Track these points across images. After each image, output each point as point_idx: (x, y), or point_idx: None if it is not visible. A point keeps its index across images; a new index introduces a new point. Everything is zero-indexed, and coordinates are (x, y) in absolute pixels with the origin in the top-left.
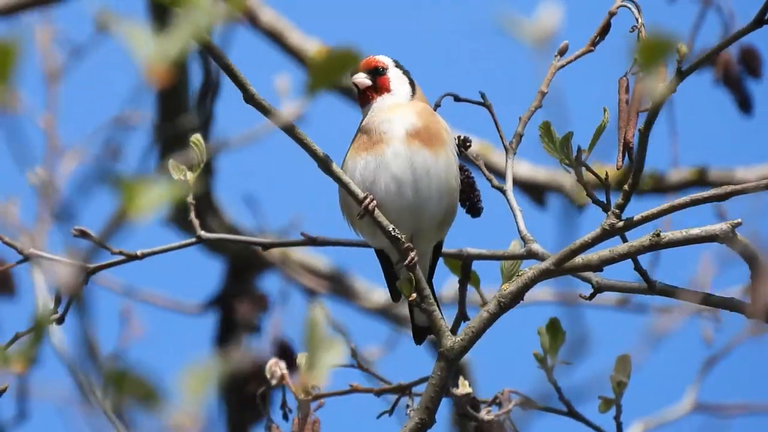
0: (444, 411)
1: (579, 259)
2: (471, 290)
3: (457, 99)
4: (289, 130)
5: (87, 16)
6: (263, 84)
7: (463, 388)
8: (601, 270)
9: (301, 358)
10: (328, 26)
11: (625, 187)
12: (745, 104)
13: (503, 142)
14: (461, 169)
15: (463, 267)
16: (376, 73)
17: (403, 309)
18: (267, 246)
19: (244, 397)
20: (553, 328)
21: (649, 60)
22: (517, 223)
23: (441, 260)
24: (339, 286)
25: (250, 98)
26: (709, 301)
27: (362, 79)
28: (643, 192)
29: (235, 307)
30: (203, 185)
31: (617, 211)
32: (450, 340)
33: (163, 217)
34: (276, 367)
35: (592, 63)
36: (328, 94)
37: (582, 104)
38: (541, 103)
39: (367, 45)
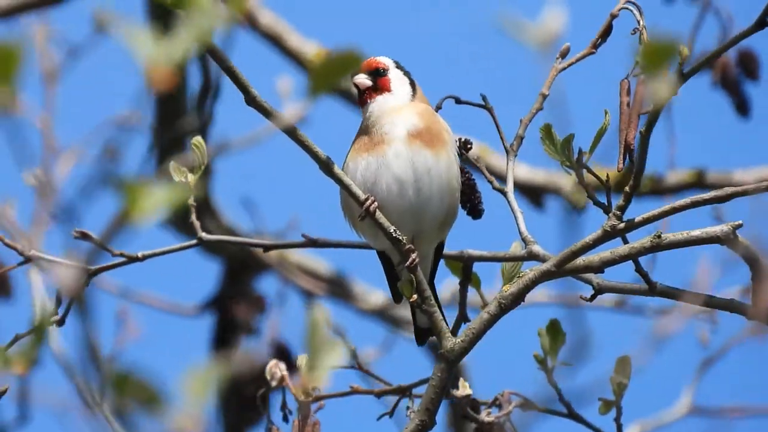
0: (441, 412)
1: (580, 261)
2: (471, 291)
3: (458, 101)
4: (291, 132)
5: (85, 17)
6: (262, 86)
7: (464, 389)
8: (602, 271)
9: (301, 360)
10: (327, 28)
11: (626, 188)
12: (742, 107)
13: (504, 145)
14: (462, 170)
15: (464, 268)
16: (377, 74)
17: (400, 311)
18: (268, 247)
19: (243, 399)
20: (554, 329)
21: (651, 64)
22: (518, 224)
23: (442, 261)
24: (336, 288)
25: (251, 100)
26: (710, 302)
27: (363, 80)
28: (642, 194)
29: (232, 309)
30: (201, 187)
31: (618, 212)
32: (450, 342)
33: (161, 219)
34: (276, 368)
35: (594, 65)
36: (327, 96)
37: (583, 106)
38: (543, 106)
39: (367, 46)
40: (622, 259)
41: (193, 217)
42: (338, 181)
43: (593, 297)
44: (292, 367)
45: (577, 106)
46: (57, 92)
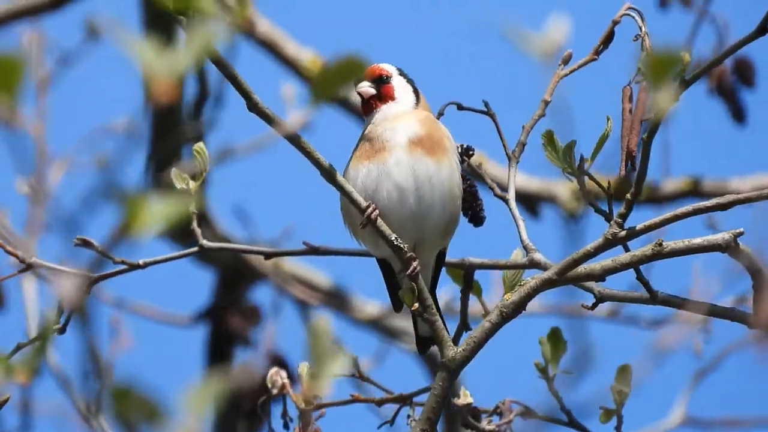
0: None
1: (581, 269)
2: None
3: (460, 108)
4: (294, 139)
5: (78, 24)
6: (260, 95)
7: (465, 397)
8: (604, 280)
9: (302, 368)
10: (325, 35)
11: (628, 196)
12: (738, 114)
13: (506, 151)
14: (463, 178)
15: (465, 276)
16: (380, 81)
17: (395, 321)
18: (268, 255)
19: (243, 409)
20: (555, 337)
21: (655, 75)
22: (519, 232)
23: (443, 269)
24: (331, 298)
25: (254, 107)
26: (711, 311)
27: (366, 88)
28: (639, 202)
29: (227, 319)
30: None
31: (620, 220)
32: (452, 351)
33: (160, 230)
34: (277, 376)
35: (596, 72)
36: (326, 105)
37: (585, 113)
38: (545, 112)
39: (366, 51)
40: (624, 267)
41: (195, 224)
42: (340, 188)
43: (594, 305)
44: (290, 377)
45: (578, 112)
46: (49, 100)
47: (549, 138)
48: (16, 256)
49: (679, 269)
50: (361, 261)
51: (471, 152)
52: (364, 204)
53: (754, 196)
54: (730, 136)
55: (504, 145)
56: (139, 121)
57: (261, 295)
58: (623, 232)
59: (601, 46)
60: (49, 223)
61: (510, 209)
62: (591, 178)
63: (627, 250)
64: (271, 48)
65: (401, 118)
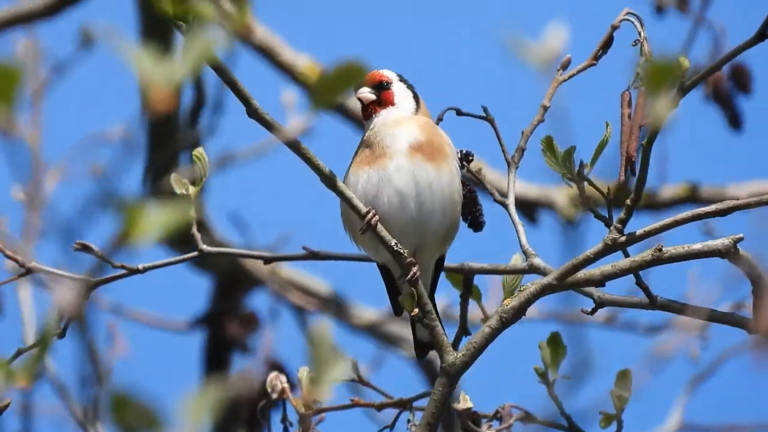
0: None
1: (581, 274)
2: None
3: (459, 113)
4: (294, 145)
5: (73, 32)
6: (257, 100)
7: (464, 402)
8: (603, 285)
9: (302, 373)
10: (323, 41)
11: (627, 201)
12: (735, 120)
13: (506, 157)
14: (463, 183)
15: (465, 281)
16: (381, 87)
17: (391, 327)
18: (268, 260)
19: (240, 417)
20: (554, 342)
21: (654, 84)
22: (519, 237)
23: (442, 274)
24: (328, 304)
25: (253, 113)
26: (711, 316)
27: (366, 93)
28: (636, 208)
29: (224, 326)
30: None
31: (619, 225)
32: (452, 356)
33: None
34: (277, 380)
35: (595, 77)
36: (324, 111)
37: (583, 119)
38: (544, 117)
39: (366, 59)
40: (624, 272)
41: (194, 228)
42: (340, 194)
43: (594, 310)
44: (288, 383)
45: (577, 118)
46: (45, 107)
47: (548, 143)
48: (16, 261)
49: (675, 276)
50: (358, 267)
51: (471, 157)
52: (364, 210)
53: (753, 202)
54: (726, 142)
55: (503, 151)
56: (135, 129)
57: (258, 301)
58: (623, 238)
59: (600, 51)
60: (46, 230)
61: (509, 214)
62: (591, 183)
63: (627, 255)
64: (267, 54)
65: (401, 123)
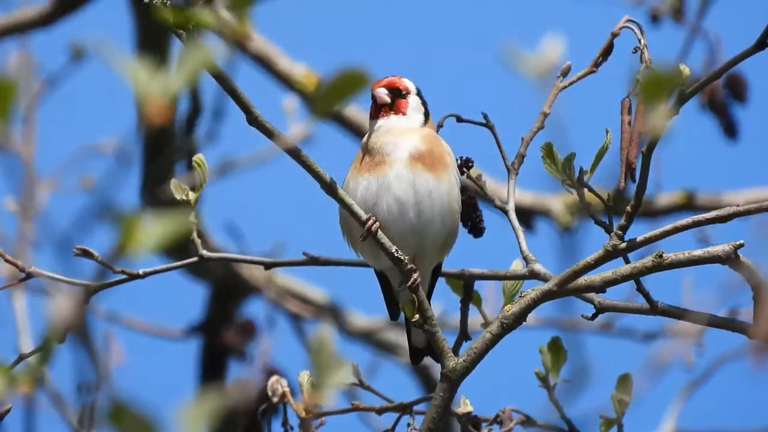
0: None
1: (582, 280)
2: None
3: (459, 120)
4: (294, 153)
5: (67, 42)
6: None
7: (465, 406)
8: (604, 291)
9: (302, 377)
10: (319, 50)
11: (628, 208)
12: (730, 129)
13: (505, 163)
14: (462, 189)
15: (465, 287)
16: (398, 94)
17: (386, 334)
18: (268, 265)
19: (238, 424)
20: (555, 347)
21: (656, 92)
22: (519, 242)
23: (442, 280)
24: (324, 311)
25: (253, 120)
26: (711, 322)
27: (383, 94)
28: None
29: (221, 334)
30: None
31: (620, 232)
32: (452, 361)
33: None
34: (278, 384)
35: (594, 85)
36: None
37: (584, 125)
38: (543, 124)
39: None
40: (624, 278)
41: (195, 234)
42: (341, 201)
43: (595, 316)
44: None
45: (578, 125)
46: (37, 119)
47: (548, 150)
48: (16, 265)
49: (669, 284)
50: (353, 275)
51: (470, 164)
52: (364, 216)
53: (753, 208)
54: (722, 150)
55: (503, 157)
56: (130, 140)
57: (254, 308)
58: (623, 244)
59: (600, 59)
60: (40, 240)
61: (510, 220)
62: (591, 190)
63: (627, 261)
64: (263, 63)
65: (405, 133)
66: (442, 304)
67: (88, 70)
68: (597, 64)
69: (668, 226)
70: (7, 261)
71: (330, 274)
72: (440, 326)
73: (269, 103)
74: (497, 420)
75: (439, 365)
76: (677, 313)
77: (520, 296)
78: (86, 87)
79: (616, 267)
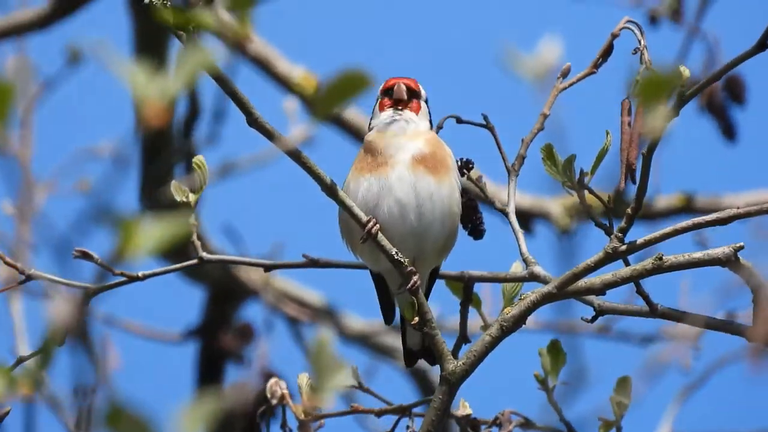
0: None
1: (582, 283)
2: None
3: (459, 121)
4: (295, 154)
5: (63, 45)
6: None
7: (464, 408)
8: (604, 293)
9: (302, 380)
10: (318, 53)
11: (628, 210)
12: (729, 131)
13: (505, 164)
14: (463, 192)
15: (465, 289)
16: (414, 95)
17: (383, 337)
18: (268, 267)
19: (236, 428)
20: (554, 349)
21: (656, 94)
22: (519, 244)
23: (442, 282)
24: (321, 315)
25: (254, 122)
26: (710, 324)
27: (404, 90)
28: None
29: (219, 337)
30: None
31: (620, 234)
32: (452, 364)
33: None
34: (277, 386)
35: (595, 85)
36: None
37: (584, 127)
38: (543, 126)
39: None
40: (624, 281)
41: (195, 236)
42: (341, 204)
43: (594, 318)
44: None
45: (578, 126)
46: (35, 122)
47: (549, 152)
48: (15, 267)
49: (666, 287)
50: (350, 279)
51: (471, 166)
52: (365, 219)
53: (753, 210)
54: (720, 152)
55: (503, 158)
56: (128, 143)
57: (252, 312)
58: (624, 247)
59: (600, 60)
60: (37, 243)
61: (510, 222)
62: (591, 192)
63: (627, 264)
64: (262, 65)
65: (408, 135)
66: (440, 306)
67: (85, 73)
68: (597, 65)
69: (668, 229)
70: (6, 263)
71: (327, 278)
72: (439, 328)
73: (268, 106)
74: (496, 422)
75: (437, 368)
76: (677, 316)
77: (520, 299)
78: (84, 89)
79: (616, 269)
